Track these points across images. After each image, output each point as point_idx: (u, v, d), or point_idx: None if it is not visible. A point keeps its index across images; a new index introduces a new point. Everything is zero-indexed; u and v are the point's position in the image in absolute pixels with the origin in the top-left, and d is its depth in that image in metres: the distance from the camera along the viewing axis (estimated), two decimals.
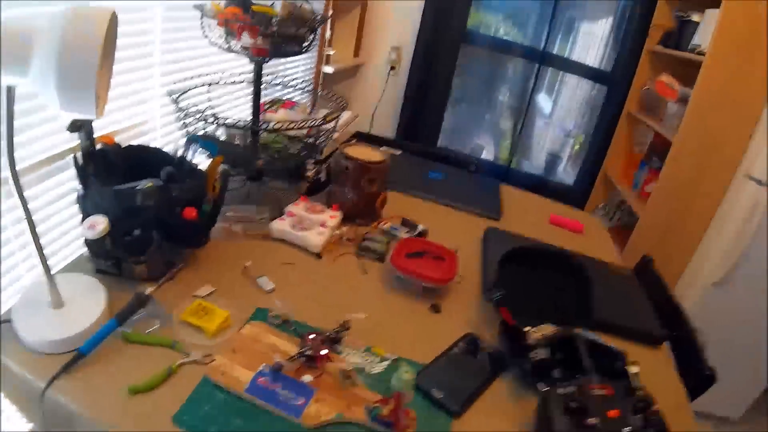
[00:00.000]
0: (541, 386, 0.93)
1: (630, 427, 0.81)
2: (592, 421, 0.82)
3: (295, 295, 1.18)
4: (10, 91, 0.81)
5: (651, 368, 1.07)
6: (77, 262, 1.15)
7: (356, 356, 1.03)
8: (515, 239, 1.57)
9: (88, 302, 1.01)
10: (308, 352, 0.97)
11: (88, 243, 1.06)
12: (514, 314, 1.11)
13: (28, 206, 0.90)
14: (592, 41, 3.46)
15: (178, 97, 1.40)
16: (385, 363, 1.03)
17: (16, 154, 1.17)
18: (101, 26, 0.77)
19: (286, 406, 0.89)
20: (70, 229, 1.37)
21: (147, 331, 1.00)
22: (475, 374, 1.06)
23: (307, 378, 0.93)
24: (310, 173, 1.71)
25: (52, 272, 0.97)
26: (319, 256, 1.34)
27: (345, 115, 2.06)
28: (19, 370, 0.90)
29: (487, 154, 3.88)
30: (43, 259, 0.94)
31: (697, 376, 1.27)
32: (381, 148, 1.59)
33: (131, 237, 1.05)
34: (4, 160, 0.85)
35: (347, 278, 1.29)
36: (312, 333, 1.01)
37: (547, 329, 1.03)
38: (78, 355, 0.90)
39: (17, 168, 1.17)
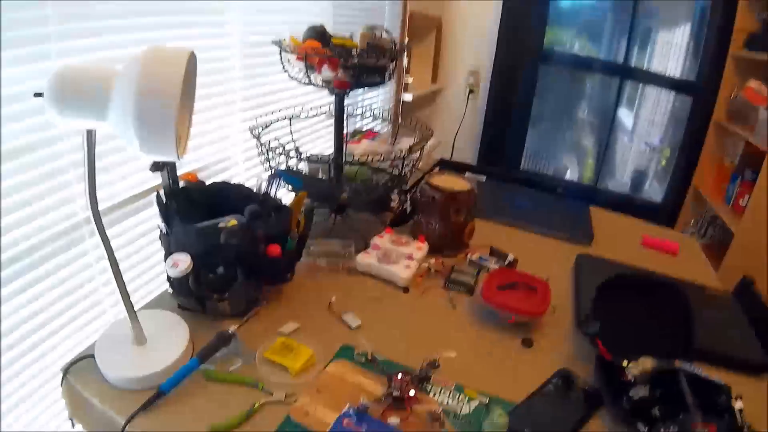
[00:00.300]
0: (642, 427, 0.85)
1: None
2: None
3: (382, 332, 1.13)
4: (91, 134, 0.82)
5: (753, 399, 0.95)
6: (161, 298, 1.16)
7: (445, 396, 0.96)
8: (607, 265, 1.45)
9: (171, 339, 1.00)
10: (395, 393, 0.90)
11: (171, 280, 1.06)
12: (610, 347, 1.01)
13: (111, 244, 0.91)
14: (672, 50, 3.26)
15: (259, 133, 1.40)
16: (475, 403, 0.95)
17: (101, 193, 1.21)
18: (179, 68, 0.75)
19: None
20: (154, 265, 1.40)
21: (230, 369, 0.98)
22: (570, 413, 0.96)
23: (393, 420, 0.87)
24: (395, 204, 1.67)
25: (136, 308, 0.98)
26: (406, 290, 1.28)
27: (428, 143, 2.02)
28: (100, 405, 0.90)
29: (571, 174, 3.72)
30: (126, 297, 0.94)
31: None
32: (465, 175, 1.53)
33: (214, 275, 1.04)
34: (87, 200, 0.86)
35: (435, 313, 1.22)
36: (399, 372, 0.94)
37: (646, 363, 0.93)
38: (158, 393, 0.89)
39: (102, 207, 1.22)
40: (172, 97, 0.74)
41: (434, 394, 0.96)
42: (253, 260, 1.07)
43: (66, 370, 0.95)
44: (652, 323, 1.14)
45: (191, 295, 1.05)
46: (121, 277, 0.93)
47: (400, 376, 0.93)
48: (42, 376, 1.17)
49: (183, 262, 1.01)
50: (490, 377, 1.03)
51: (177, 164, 1.13)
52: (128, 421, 0.85)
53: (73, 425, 0.99)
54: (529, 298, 1.20)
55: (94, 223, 0.87)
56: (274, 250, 1.08)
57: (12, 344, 1.08)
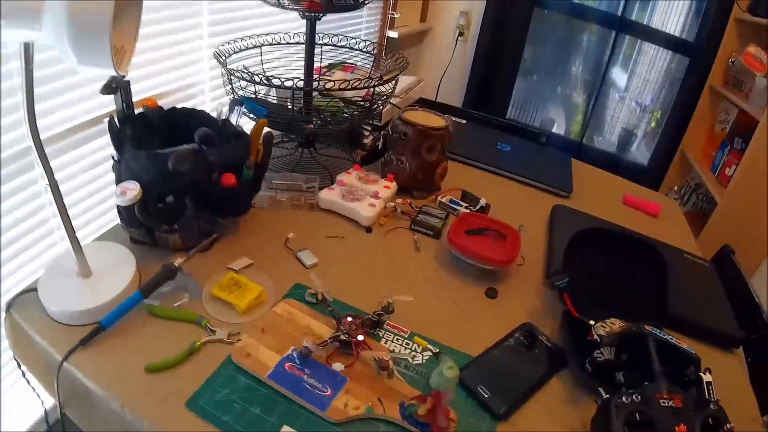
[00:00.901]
0: (603, 392, 0.80)
1: None
2: None
3: (339, 272, 1.09)
4: (28, 47, 0.74)
5: (723, 374, 0.93)
6: (114, 230, 1.10)
7: (397, 343, 0.93)
8: (585, 219, 1.41)
9: (117, 273, 0.95)
10: (343, 337, 0.87)
11: (120, 211, 1.00)
12: (579, 304, 0.98)
13: (65, 171, 0.85)
14: (673, 7, 3.10)
15: (226, 59, 1.32)
16: (428, 354, 0.92)
17: (51, 119, 1.14)
18: None
19: (311, 396, 0.80)
20: (109, 196, 1.34)
21: (175, 305, 0.94)
22: (529, 371, 0.93)
23: (338, 366, 0.84)
24: (368, 141, 1.60)
25: (90, 240, 0.94)
26: (369, 230, 1.23)
27: (407, 80, 1.92)
28: (40, 341, 0.86)
29: (558, 129, 3.63)
30: (69, 227, 0.88)
31: None
32: (444, 116, 1.45)
33: (163, 205, 0.98)
34: (26, 122, 0.79)
35: (398, 255, 1.18)
36: (350, 316, 0.90)
37: (614, 324, 0.89)
38: (98, 328, 0.85)
39: (55, 131, 1.15)
40: (105, 3, 0.67)
41: (386, 341, 0.93)
42: (207, 189, 1.01)
43: (9, 305, 0.91)
44: (626, 283, 1.11)
45: (141, 227, 1.00)
46: (64, 205, 0.87)
47: (349, 319, 0.89)
48: None
49: (131, 190, 0.95)
50: (448, 327, 1.00)
51: (138, 89, 1.06)
52: (65, 358, 0.82)
53: (19, 366, 0.95)
54: (498, 245, 1.16)
55: (34, 150, 0.80)
56: (228, 179, 1.02)
57: None
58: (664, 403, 0.75)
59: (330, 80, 1.21)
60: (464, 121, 1.95)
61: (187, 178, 0.98)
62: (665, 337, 0.87)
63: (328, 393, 0.80)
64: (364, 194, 1.27)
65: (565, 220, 1.37)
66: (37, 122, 0.78)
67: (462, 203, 1.36)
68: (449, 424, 0.78)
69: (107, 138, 1.21)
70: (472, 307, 1.07)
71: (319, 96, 1.42)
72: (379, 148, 1.49)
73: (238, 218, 1.17)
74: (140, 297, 0.90)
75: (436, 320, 1.01)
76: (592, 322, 0.91)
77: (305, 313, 0.95)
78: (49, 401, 0.97)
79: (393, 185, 1.33)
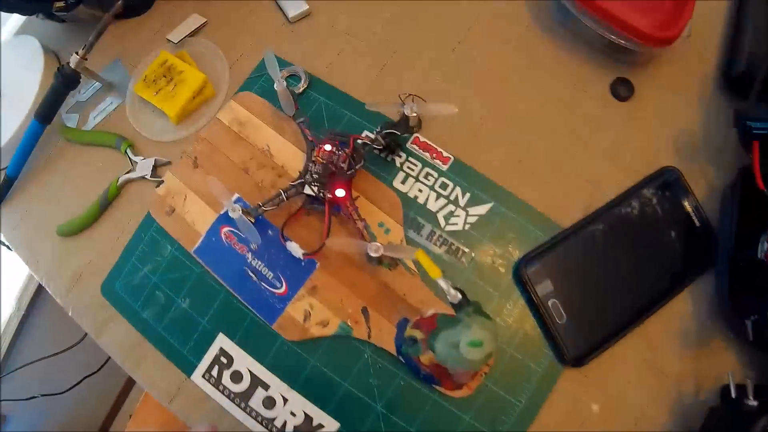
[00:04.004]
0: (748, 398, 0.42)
1: None
2: None
3: (343, 29, 0.62)
4: None
5: None
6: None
7: (424, 183, 0.53)
8: None
9: (22, 88, 0.66)
10: (309, 190, 0.50)
11: None
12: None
13: None
14: None
15: None
16: (483, 209, 0.52)
17: None
18: None
19: (254, 293, 0.51)
20: None
21: (95, 117, 0.64)
22: (645, 277, 0.49)
23: (293, 246, 0.50)
24: None
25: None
26: None
27: None
28: None
29: None
30: None
31: None
32: None
33: None
34: None
35: None
36: (330, 139, 0.51)
37: None
38: (7, 180, 0.62)
39: None
40: None
41: (405, 178, 0.54)
42: None
43: None
44: None
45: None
46: None
47: (327, 147, 0.50)
48: None
49: None
50: (529, 160, 0.54)
51: None
52: None
53: None
54: (654, 7, 0.54)
55: None
56: None
57: None
58: None
59: None
60: None
61: None
62: None
63: (282, 290, 0.51)
64: None
65: None
66: None
67: None
68: (473, 379, 0.46)
69: None
70: (583, 120, 0.56)
71: None
72: None
73: None
74: (39, 126, 0.61)
75: (508, 143, 0.55)
76: None
77: (269, 120, 0.57)
78: None
79: None
